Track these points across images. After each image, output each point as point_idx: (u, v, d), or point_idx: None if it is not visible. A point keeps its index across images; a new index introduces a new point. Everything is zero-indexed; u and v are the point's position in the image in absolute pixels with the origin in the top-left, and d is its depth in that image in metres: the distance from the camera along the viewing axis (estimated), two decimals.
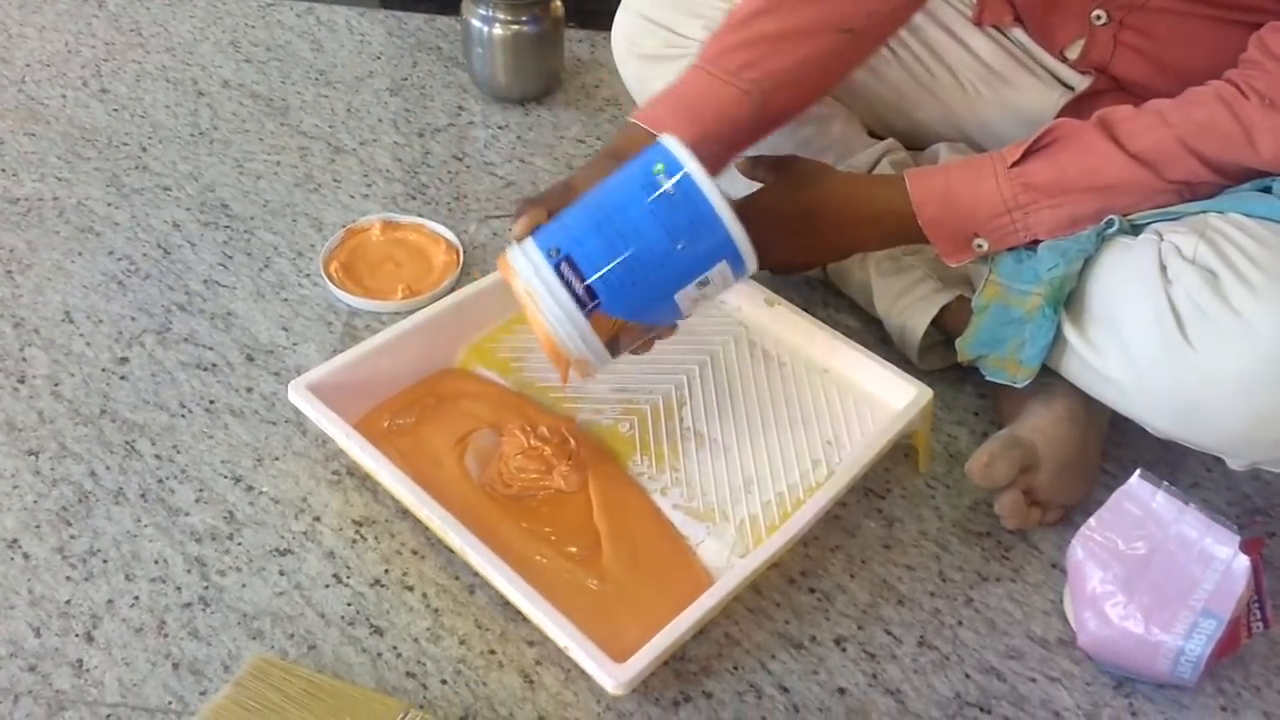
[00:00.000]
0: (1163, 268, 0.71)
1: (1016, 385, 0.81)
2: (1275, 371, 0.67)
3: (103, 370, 0.90)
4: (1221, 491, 0.87)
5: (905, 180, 0.82)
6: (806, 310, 0.92)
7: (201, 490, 0.81)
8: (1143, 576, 0.71)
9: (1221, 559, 0.70)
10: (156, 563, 0.76)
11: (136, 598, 0.74)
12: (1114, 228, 0.75)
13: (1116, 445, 0.88)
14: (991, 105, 0.98)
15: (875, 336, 0.96)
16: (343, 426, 0.77)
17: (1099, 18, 0.88)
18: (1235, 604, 0.69)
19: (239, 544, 0.78)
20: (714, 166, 0.78)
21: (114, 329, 0.94)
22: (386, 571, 0.77)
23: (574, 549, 0.76)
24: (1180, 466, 0.88)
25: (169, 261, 1.01)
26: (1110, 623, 0.72)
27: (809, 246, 0.92)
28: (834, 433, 0.85)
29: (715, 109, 0.81)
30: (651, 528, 0.78)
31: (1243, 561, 0.69)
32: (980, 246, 0.80)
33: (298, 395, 0.79)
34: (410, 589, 0.76)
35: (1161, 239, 0.73)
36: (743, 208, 0.96)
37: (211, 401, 0.88)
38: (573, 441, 0.82)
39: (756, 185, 0.92)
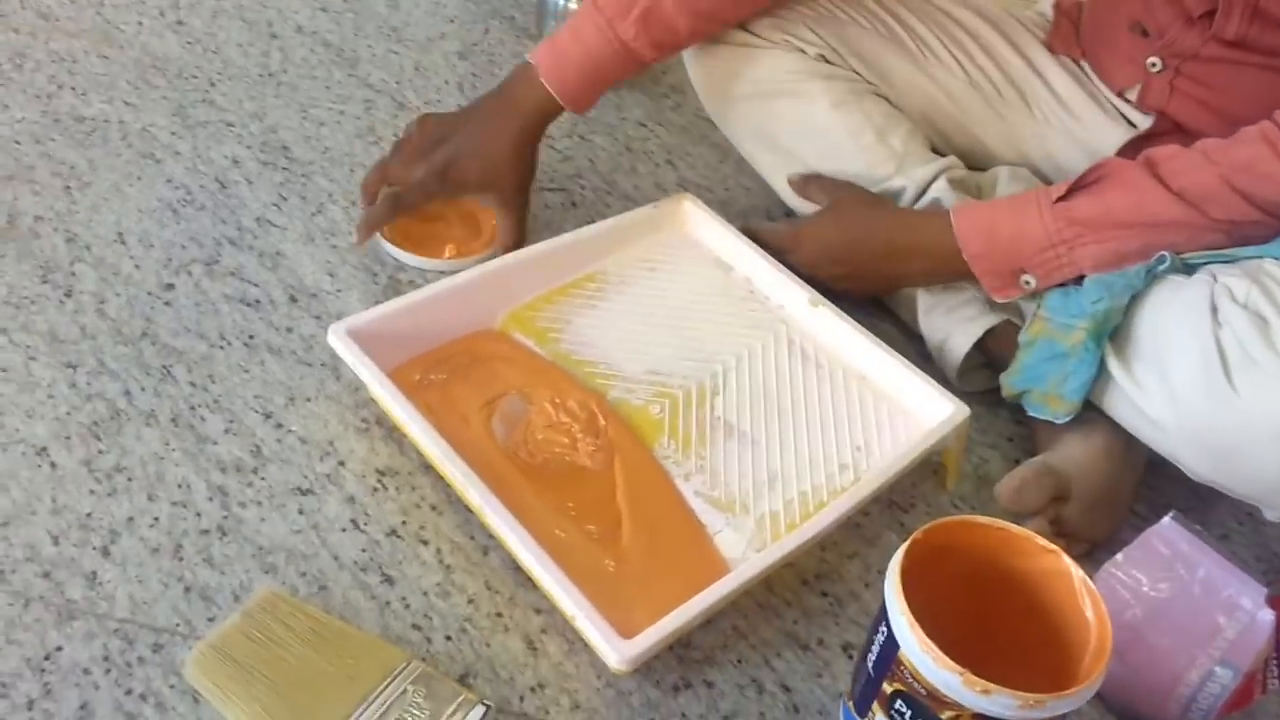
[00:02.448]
0: (1214, 309, 0.70)
1: (1057, 421, 0.80)
2: None
3: (148, 294, 0.90)
4: (1250, 545, 0.85)
5: (951, 215, 0.82)
6: (850, 315, 0.91)
7: (232, 422, 0.82)
8: (1164, 618, 0.70)
9: (1247, 610, 0.68)
10: (180, 487, 0.77)
11: (156, 519, 0.74)
12: (1165, 265, 0.74)
13: (1150, 488, 0.86)
14: (1058, 134, 0.97)
15: (916, 350, 0.95)
16: (376, 373, 0.77)
17: (1154, 65, 0.87)
18: (1255, 657, 0.68)
19: (262, 479, 0.78)
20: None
21: (164, 255, 0.94)
22: (404, 523, 0.77)
23: (593, 528, 0.75)
24: (1211, 515, 0.87)
25: (224, 196, 1.02)
26: (1124, 662, 0.71)
27: (855, 275, 0.92)
28: (864, 439, 0.84)
29: (618, 73, 0.92)
30: (673, 514, 0.78)
31: (1268, 615, 0.68)
32: (1028, 284, 0.80)
33: (337, 338, 0.79)
34: (425, 543, 0.76)
35: (1215, 280, 0.72)
36: (793, 233, 0.96)
37: (251, 337, 0.89)
38: (602, 419, 0.82)
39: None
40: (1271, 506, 0.71)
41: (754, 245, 0.97)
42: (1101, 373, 0.76)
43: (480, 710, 0.65)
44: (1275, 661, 0.71)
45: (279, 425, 0.82)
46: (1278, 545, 0.86)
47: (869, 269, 0.91)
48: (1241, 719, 0.73)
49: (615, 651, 0.65)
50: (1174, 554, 0.71)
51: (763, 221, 1.02)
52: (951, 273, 0.83)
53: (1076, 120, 0.95)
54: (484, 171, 0.91)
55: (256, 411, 0.83)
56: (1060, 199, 0.77)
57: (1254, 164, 0.72)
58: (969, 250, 0.80)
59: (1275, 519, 0.73)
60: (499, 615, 0.73)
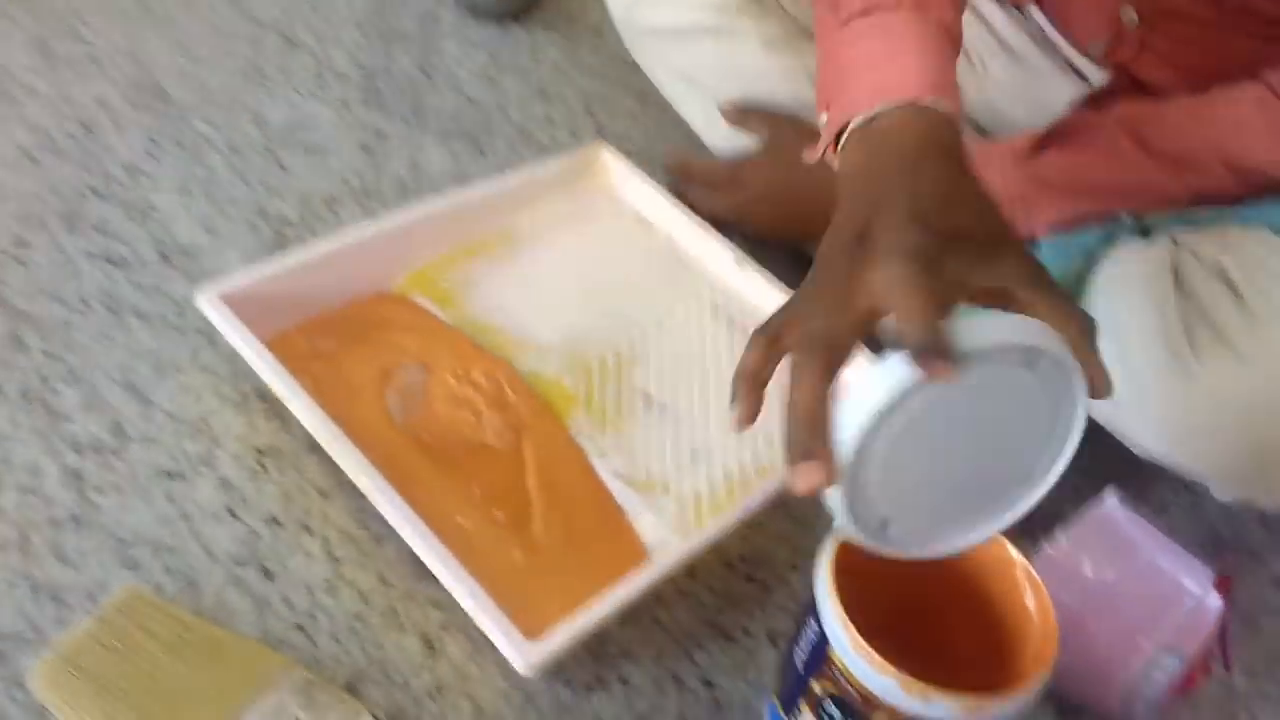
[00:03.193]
0: (1177, 277, 0.65)
1: None
2: None
3: (1, 251, 0.81)
4: (1188, 520, 0.82)
5: None
6: (779, 279, 0.85)
7: (91, 396, 0.73)
8: (1107, 604, 0.66)
9: (1193, 594, 0.65)
10: (28, 471, 0.68)
11: (1, 508, 0.66)
12: (1125, 227, 0.69)
13: (1088, 459, 0.82)
14: (1000, 86, 0.91)
15: None
16: (253, 342, 0.69)
17: (1131, 20, 0.82)
18: (1200, 643, 0.65)
19: (124, 461, 0.70)
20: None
21: (19, 207, 0.84)
22: (286, 510, 0.69)
23: (500, 514, 0.68)
24: (1150, 488, 0.83)
25: (90, 141, 0.91)
26: (1065, 649, 0.66)
27: (794, 219, 0.86)
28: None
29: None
30: (588, 497, 0.71)
31: (1215, 601, 0.65)
32: None
33: (208, 302, 0.71)
34: (310, 532, 0.68)
35: (1177, 245, 0.67)
36: (730, 171, 0.89)
37: (115, 299, 0.79)
38: (510, 392, 0.75)
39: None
40: (1224, 489, 0.68)
41: (677, 201, 0.90)
42: None
43: None
44: (1219, 647, 0.67)
45: (145, 400, 0.73)
46: (1217, 518, 0.83)
47: (810, 213, 0.84)
48: (1185, 705, 0.70)
49: (521, 655, 0.58)
50: (1118, 536, 0.67)
51: (695, 156, 0.96)
52: None
53: (1021, 68, 0.89)
54: None
55: (119, 384, 0.74)
56: (1026, 155, 0.71)
57: (1242, 127, 0.67)
58: None
59: (1225, 499, 0.69)
60: (394, 612, 0.66)
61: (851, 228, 0.47)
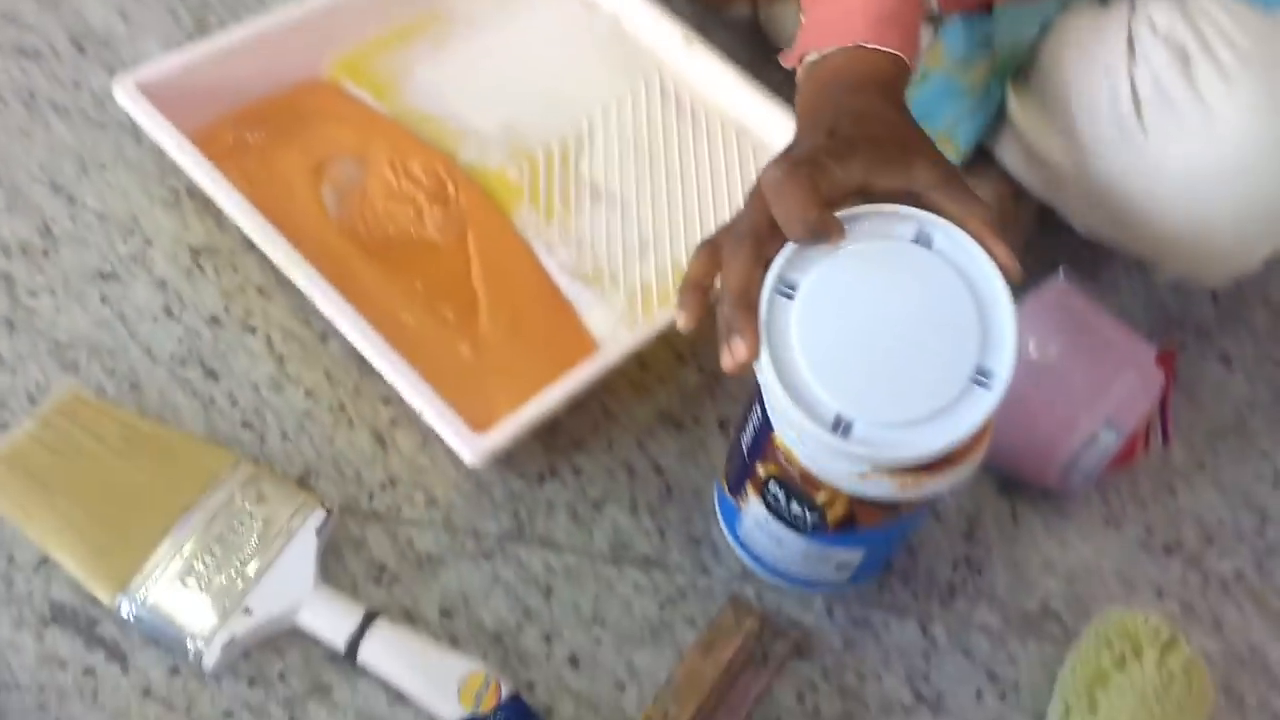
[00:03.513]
0: (1130, 43, 0.63)
1: None
2: (1230, 172, 0.61)
3: None
4: (1139, 298, 0.82)
5: None
6: (730, 59, 0.81)
7: (14, 197, 0.70)
8: (1049, 381, 0.66)
9: (1135, 370, 0.65)
10: None
11: None
12: None
13: (1039, 242, 0.82)
14: None
15: None
16: (175, 136, 0.65)
17: None
18: (1140, 418, 0.66)
19: (54, 263, 0.67)
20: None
21: None
22: (226, 309, 0.68)
23: (446, 310, 0.67)
24: (1100, 270, 0.83)
25: None
26: (1006, 425, 0.68)
27: None
28: (744, 199, 0.76)
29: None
30: (535, 292, 0.70)
31: (1157, 376, 0.65)
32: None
33: (125, 93, 0.67)
34: (252, 331, 0.67)
35: (1134, 9, 0.64)
36: None
37: (31, 94, 0.75)
38: (451, 185, 0.72)
39: None
40: (1163, 265, 0.67)
41: None
42: (998, 116, 0.69)
43: (321, 515, 0.59)
44: (1159, 421, 0.69)
45: (71, 199, 0.70)
46: (1167, 296, 0.83)
47: None
48: (1123, 478, 0.72)
49: (468, 447, 0.59)
50: (1063, 314, 0.67)
51: None
52: None
53: None
54: None
55: (42, 184, 0.71)
56: None
57: None
58: None
59: (1167, 281, 0.69)
60: (341, 409, 0.65)
61: (788, 147, 0.51)
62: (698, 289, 0.50)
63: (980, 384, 0.48)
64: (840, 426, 0.47)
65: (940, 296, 0.48)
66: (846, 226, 0.48)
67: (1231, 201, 0.61)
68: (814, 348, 0.47)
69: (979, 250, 0.48)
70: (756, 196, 0.49)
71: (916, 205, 0.48)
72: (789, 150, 0.50)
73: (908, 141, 0.50)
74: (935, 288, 0.48)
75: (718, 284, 0.49)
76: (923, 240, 0.48)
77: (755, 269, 0.47)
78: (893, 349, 0.48)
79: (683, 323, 0.50)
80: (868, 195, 0.48)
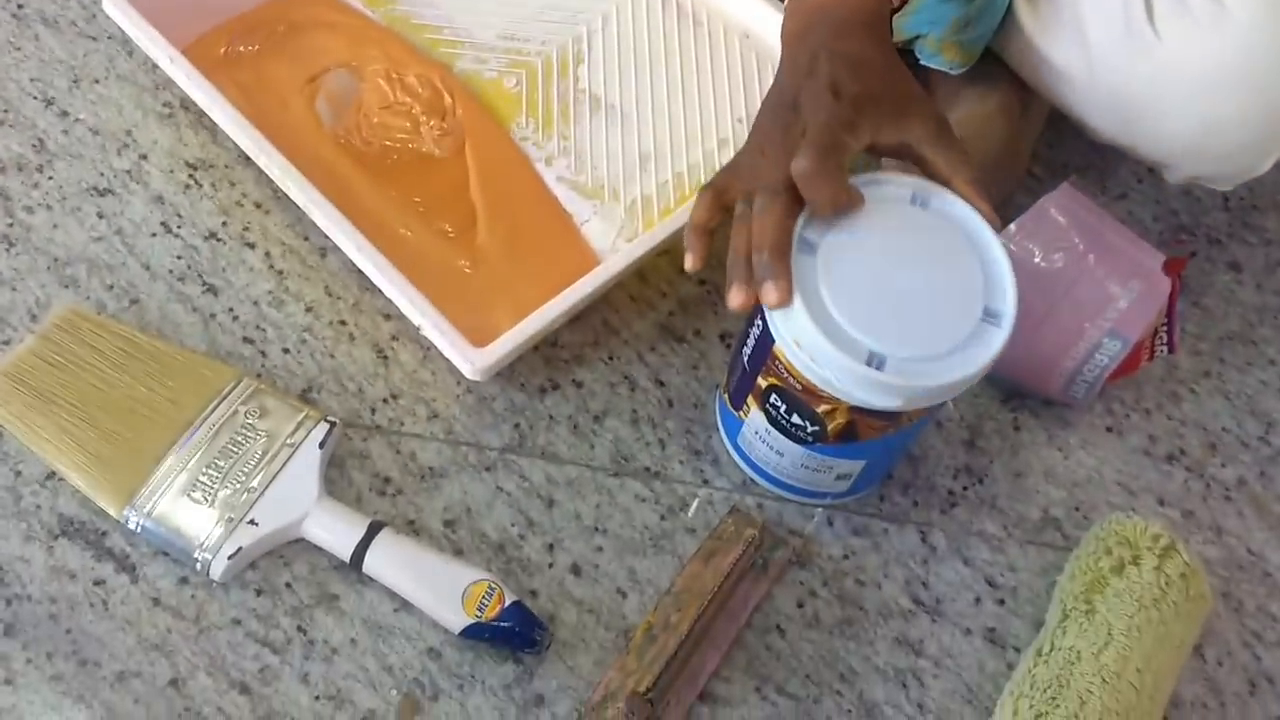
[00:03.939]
0: None
1: (952, 72, 0.72)
2: (1243, 72, 0.59)
3: None
4: (1149, 205, 0.81)
5: None
6: None
7: (5, 111, 0.69)
8: (1052, 290, 0.66)
9: (1142, 278, 0.65)
10: None
11: None
12: None
13: (1047, 146, 0.81)
14: None
15: None
16: (166, 48, 0.64)
17: None
18: (1145, 327, 0.65)
19: (50, 178, 0.67)
20: None
21: None
22: (224, 224, 0.67)
23: (447, 226, 0.67)
24: (1111, 175, 0.82)
25: None
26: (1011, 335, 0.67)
27: None
28: (747, 109, 0.75)
29: None
30: (534, 205, 0.69)
31: (1164, 283, 0.65)
32: None
33: (115, 5, 0.66)
34: (251, 246, 0.67)
35: None
36: None
37: (20, 6, 0.74)
38: (447, 96, 0.71)
39: None
40: (1175, 167, 0.66)
41: None
42: (1007, 18, 0.68)
43: (324, 428, 0.59)
44: (1165, 328, 0.68)
45: (64, 113, 0.70)
46: (1177, 203, 0.82)
47: None
48: (1126, 385, 0.72)
49: (468, 361, 0.59)
50: (1070, 222, 0.66)
51: None
52: None
53: None
54: None
55: (35, 98, 0.70)
56: None
57: None
58: None
59: (1175, 181, 0.68)
60: (342, 323, 0.65)
61: (785, 94, 0.55)
62: (704, 232, 0.55)
63: (990, 322, 0.53)
64: (874, 362, 0.51)
65: (942, 249, 0.54)
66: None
67: (1242, 102, 0.60)
68: (841, 296, 0.52)
69: (969, 208, 0.54)
70: (776, 156, 0.53)
71: (910, 156, 0.55)
72: (785, 97, 0.54)
73: (903, 96, 0.55)
74: (937, 241, 0.54)
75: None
76: (919, 201, 0.55)
77: (788, 223, 0.52)
78: (908, 295, 0.53)
79: (690, 264, 0.55)
80: (871, 150, 0.54)
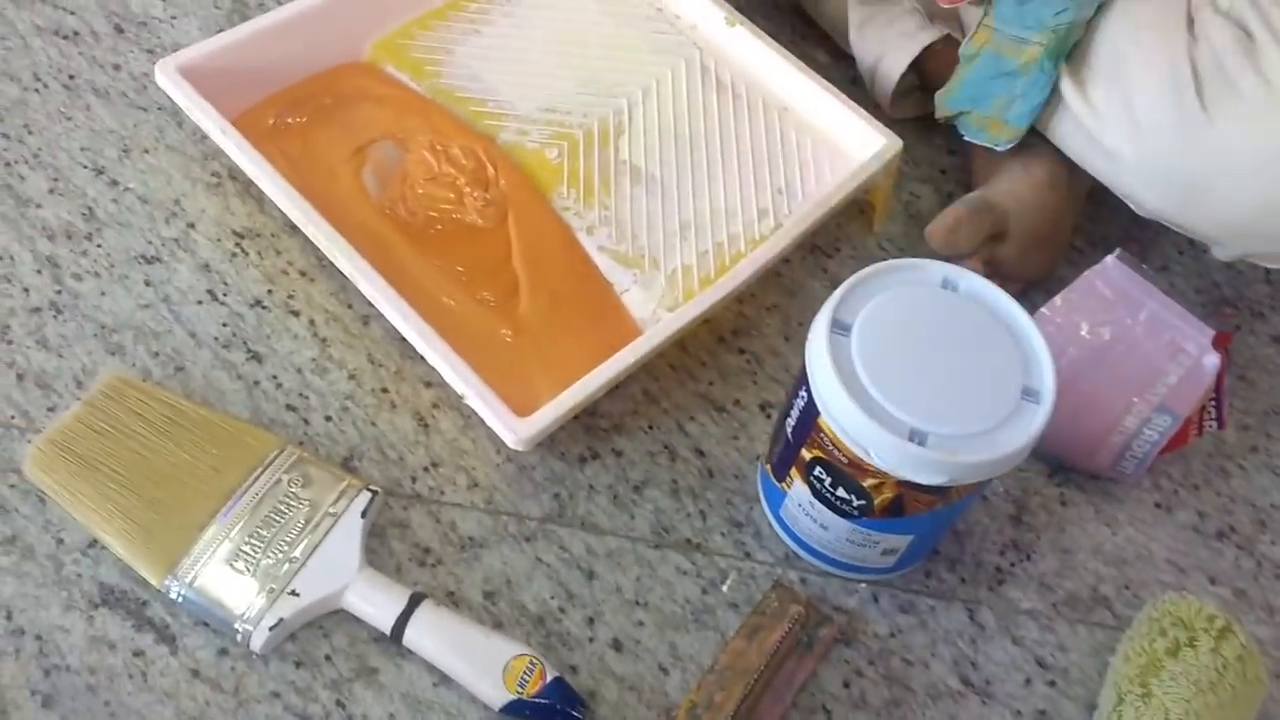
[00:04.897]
0: (1190, 21, 0.61)
1: (997, 149, 0.72)
2: None
3: None
4: (1192, 278, 0.81)
5: None
6: (772, 38, 0.80)
7: (56, 180, 0.70)
8: (1102, 363, 0.65)
9: (1191, 353, 0.64)
10: (1, 259, 0.66)
11: None
12: None
13: (1089, 220, 0.80)
14: None
15: (845, 76, 0.85)
16: (217, 119, 0.65)
17: None
18: (1195, 402, 0.64)
19: (99, 246, 0.68)
20: None
21: None
22: (270, 292, 0.68)
23: (487, 294, 0.67)
24: (1152, 247, 0.82)
25: None
26: (1057, 409, 0.66)
27: None
28: (786, 180, 0.75)
29: None
30: (575, 274, 0.70)
31: (1213, 359, 0.64)
32: None
33: (167, 77, 0.67)
34: (296, 314, 0.67)
35: None
36: None
37: (72, 76, 0.75)
38: (491, 167, 0.72)
39: None
40: (1226, 244, 0.66)
41: None
42: (1052, 97, 0.68)
43: (366, 497, 0.59)
44: (1214, 403, 0.67)
45: (113, 182, 0.71)
46: (1219, 275, 0.81)
47: None
48: (1175, 460, 0.71)
49: (511, 431, 0.58)
50: (1116, 295, 0.66)
51: None
52: None
53: None
54: None
55: (85, 167, 0.71)
56: None
57: None
58: None
59: (1225, 258, 0.67)
60: (384, 391, 0.65)
61: None
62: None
63: (1030, 400, 0.54)
64: (916, 438, 0.51)
65: (976, 330, 0.55)
66: (883, 276, 0.56)
67: None
68: (878, 375, 0.53)
69: (1000, 291, 0.56)
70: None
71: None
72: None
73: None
74: (970, 322, 0.56)
75: None
76: (949, 285, 0.56)
77: None
78: (945, 375, 0.54)
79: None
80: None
